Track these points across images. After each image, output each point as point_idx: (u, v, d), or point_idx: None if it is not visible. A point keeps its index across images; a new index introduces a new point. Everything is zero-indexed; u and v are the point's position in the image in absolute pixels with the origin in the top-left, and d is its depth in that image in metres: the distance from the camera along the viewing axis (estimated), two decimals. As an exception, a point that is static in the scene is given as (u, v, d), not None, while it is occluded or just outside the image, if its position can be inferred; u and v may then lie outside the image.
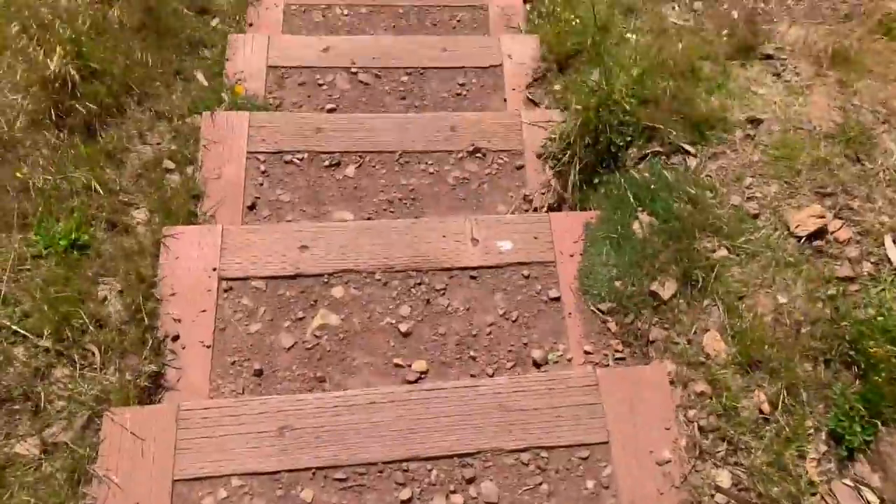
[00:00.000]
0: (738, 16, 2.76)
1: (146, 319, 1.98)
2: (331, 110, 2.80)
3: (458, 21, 3.28)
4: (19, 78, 2.36)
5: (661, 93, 2.39)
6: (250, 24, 3.16)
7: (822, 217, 2.05)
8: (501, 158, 2.57)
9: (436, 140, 2.58)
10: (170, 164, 2.44)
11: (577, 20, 2.85)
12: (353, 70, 2.91)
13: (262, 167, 2.48)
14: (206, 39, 2.96)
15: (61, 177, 2.25)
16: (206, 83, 2.78)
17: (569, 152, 2.35)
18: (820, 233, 2.05)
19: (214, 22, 3.11)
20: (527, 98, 2.88)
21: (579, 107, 2.31)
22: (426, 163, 2.54)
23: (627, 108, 2.31)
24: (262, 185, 2.45)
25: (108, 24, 2.77)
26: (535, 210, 2.45)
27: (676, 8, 2.87)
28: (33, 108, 2.34)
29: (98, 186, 2.25)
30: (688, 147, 2.30)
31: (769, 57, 2.55)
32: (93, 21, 2.71)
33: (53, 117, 2.36)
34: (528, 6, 3.34)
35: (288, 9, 3.24)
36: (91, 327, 1.93)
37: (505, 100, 2.87)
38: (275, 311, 2.07)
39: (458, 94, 2.90)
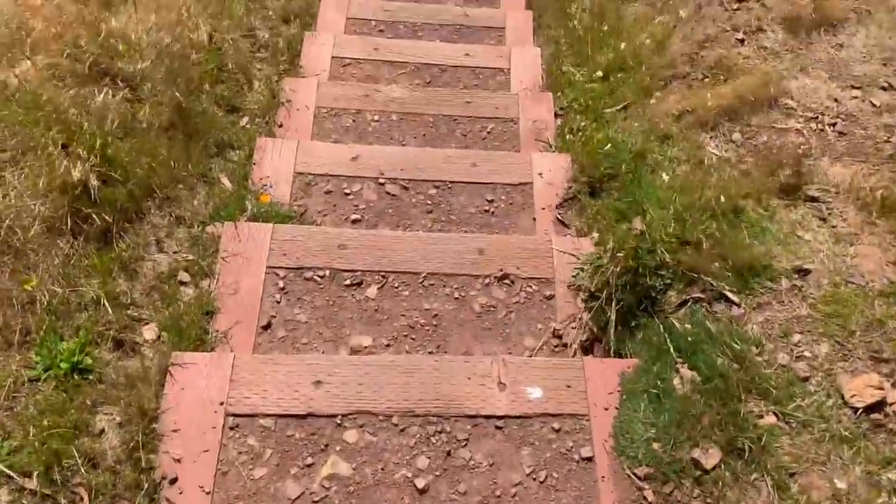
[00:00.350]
0: (779, 149, 2.64)
1: (143, 459, 1.79)
2: (355, 221, 2.67)
3: (489, 133, 3.19)
4: (40, 183, 2.23)
5: (702, 234, 2.23)
6: (280, 125, 3.07)
7: (881, 388, 1.86)
8: (530, 286, 2.40)
9: (462, 263, 2.43)
10: (185, 277, 2.30)
11: (610, 145, 2.72)
12: (381, 181, 2.79)
13: (281, 283, 2.33)
14: (234, 141, 2.86)
15: (71, 289, 2.10)
16: (230, 187, 2.67)
17: (605, 291, 2.18)
18: (878, 405, 1.85)
19: (244, 121, 3.03)
20: (557, 219, 2.74)
21: (615, 246, 2.16)
22: (451, 287, 2.38)
23: (667, 250, 2.15)
24: (279, 302, 2.29)
25: (137, 123, 2.68)
26: (566, 346, 2.27)
27: (714, 138, 2.75)
28: (50, 215, 2.21)
29: (108, 301, 2.10)
30: (731, 295, 2.14)
31: (814, 199, 2.41)
32: (122, 120, 2.63)
33: (70, 224, 2.23)
34: (559, 121, 3.25)
35: (319, 112, 3.15)
36: (83, 468, 1.73)
37: (534, 219, 2.74)
38: (282, 455, 1.87)
39: (486, 211, 2.76)
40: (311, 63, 3.48)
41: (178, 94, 2.79)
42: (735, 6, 3.30)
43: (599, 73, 3.40)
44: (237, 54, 3.30)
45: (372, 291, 2.34)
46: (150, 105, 2.74)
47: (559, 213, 2.75)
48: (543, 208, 2.76)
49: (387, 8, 3.95)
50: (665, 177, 2.55)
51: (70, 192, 2.24)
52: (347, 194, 2.75)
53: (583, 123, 3.16)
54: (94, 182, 2.28)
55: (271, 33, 3.61)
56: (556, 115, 3.28)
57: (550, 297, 2.38)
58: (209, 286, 2.29)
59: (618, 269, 2.14)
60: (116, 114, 2.63)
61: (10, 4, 2.83)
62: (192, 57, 3.06)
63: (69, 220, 2.23)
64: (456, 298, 2.36)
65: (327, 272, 2.36)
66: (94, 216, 2.25)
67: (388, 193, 2.77)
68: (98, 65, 2.80)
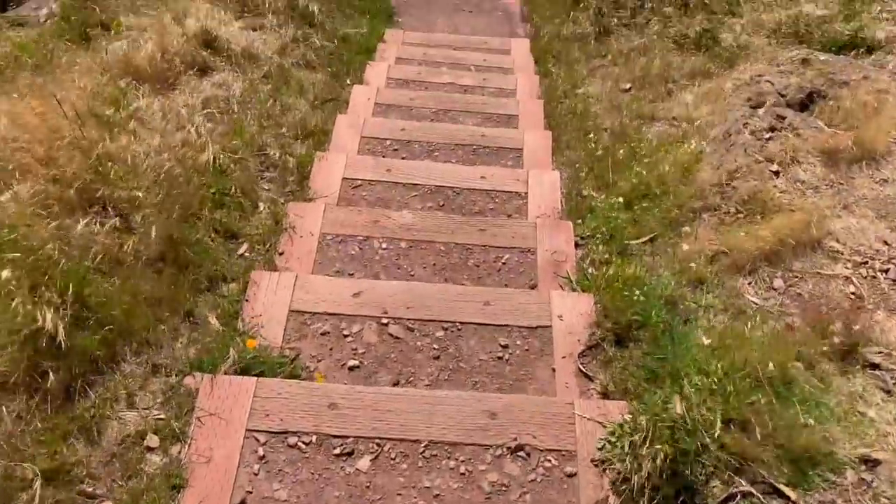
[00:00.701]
0: (827, 300, 2.32)
1: None
2: (353, 368, 2.36)
3: (504, 264, 2.91)
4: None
5: (749, 410, 1.88)
6: (281, 253, 2.82)
7: None
8: (549, 460, 2.05)
9: (471, 429, 2.09)
10: (153, 441, 1.98)
11: (638, 290, 2.41)
12: (384, 321, 2.50)
13: (261, 451, 2.00)
14: (229, 273, 2.62)
15: (17, 461, 1.79)
16: (218, 327, 2.39)
17: (636, 476, 1.82)
18: None
19: (242, 249, 2.79)
20: (579, 370, 2.40)
21: (648, 426, 1.81)
22: (457, 459, 2.04)
23: (708, 431, 1.80)
24: (256, 474, 1.96)
25: (124, 255, 2.44)
26: (589, 540, 1.88)
27: (753, 284, 2.44)
28: (5, 370, 1.93)
29: (59, 475, 1.78)
30: (786, 490, 1.77)
31: (875, 366, 2.07)
32: (106, 253, 2.40)
33: (28, 380, 1.95)
34: (579, 252, 2.97)
35: (324, 238, 2.91)
36: None
37: (553, 369, 2.40)
38: None
39: (500, 358, 2.44)
40: (320, 184, 3.27)
41: (171, 224, 2.57)
42: (767, 135, 3.07)
43: (622, 201, 3.15)
44: (243, 176, 3.12)
45: (364, 463, 2.00)
46: (140, 236, 2.52)
47: (581, 364, 2.41)
48: (564, 357, 2.43)
49: (403, 127, 3.79)
50: (701, 331, 2.22)
51: (32, 344, 1.97)
52: (346, 336, 2.46)
53: (606, 256, 2.88)
54: (61, 329, 2.01)
55: (282, 152, 3.44)
56: (576, 246, 3.00)
57: (572, 475, 2.01)
58: (179, 453, 1.96)
59: (652, 454, 1.78)
60: (101, 246, 2.40)
61: (4, 127, 2.67)
62: (193, 181, 2.87)
63: (28, 375, 1.95)
64: (462, 474, 2.00)
65: (314, 438, 2.03)
66: (57, 370, 1.97)
67: (391, 335, 2.47)
68: (89, 191, 2.60)
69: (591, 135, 3.79)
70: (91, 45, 3.75)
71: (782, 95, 3.47)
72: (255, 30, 4.48)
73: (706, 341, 2.08)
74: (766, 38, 4.42)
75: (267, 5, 4.63)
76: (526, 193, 3.35)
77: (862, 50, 4.03)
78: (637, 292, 2.42)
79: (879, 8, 4.39)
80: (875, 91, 3.48)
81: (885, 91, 3.49)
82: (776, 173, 2.87)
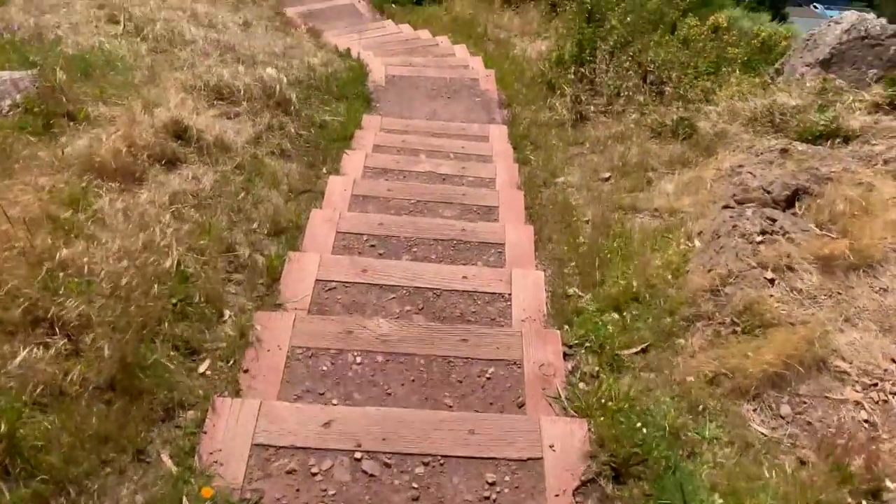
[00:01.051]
0: (838, 430, 2.10)
1: None
2: (323, 514, 2.06)
3: (488, 379, 2.66)
4: None
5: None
6: (245, 371, 2.54)
7: None
8: None
9: None
10: None
11: (637, 424, 2.18)
12: (357, 455, 2.23)
13: None
14: (187, 399, 2.33)
15: None
16: (171, 468, 2.10)
17: None
18: None
19: (204, 366, 2.52)
20: (573, 510, 2.14)
21: None
22: None
23: None
24: None
25: (69, 385, 2.15)
26: None
27: (759, 411, 2.22)
28: None
29: None
30: None
31: (902, 515, 1.83)
32: (48, 384, 2.11)
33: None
34: (569, 364, 2.73)
35: (293, 353, 2.65)
36: None
37: (546, 510, 2.13)
38: None
39: (487, 499, 2.17)
40: (291, 287, 3.02)
41: (125, 345, 2.29)
42: (759, 238, 2.91)
43: (610, 306, 2.95)
44: (209, 281, 2.85)
45: None
46: (88, 361, 2.24)
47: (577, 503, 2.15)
48: (557, 495, 2.17)
49: (381, 222, 3.58)
50: (707, 469, 1.98)
51: (-57, 512, 1.66)
52: (315, 474, 2.17)
53: (596, 368, 2.66)
54: (-18, 490, 1.71)
55: (252, 250, 3.21)
56: (564, 356, 2.77)
57: None
58: None
59: None
60: (42, 376, 2.12)
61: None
62: (153, 290, 2.60)
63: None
64: None
65: None
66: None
67: (365, 473, 2.19)
68: (35, 310, 2.33)
69: (574, 228, 3.63)
70: (54, 138, 3.52)
71: (767, 192, 3.34)
72: (229, 118, 4.31)
73: (709, 471, 1.82)
74: (742, 126, 4.36)
75: (242, 92, 4.47)
76: (510, 294, 3.13)
77: (838, 140, 3.97)
78: (636, 423, 2.18)
79: (851, 98, 4.36)
80: (858, 185, 3.37)
81: (868, 185, 3.38)
82: (771, 281, 2.70)
